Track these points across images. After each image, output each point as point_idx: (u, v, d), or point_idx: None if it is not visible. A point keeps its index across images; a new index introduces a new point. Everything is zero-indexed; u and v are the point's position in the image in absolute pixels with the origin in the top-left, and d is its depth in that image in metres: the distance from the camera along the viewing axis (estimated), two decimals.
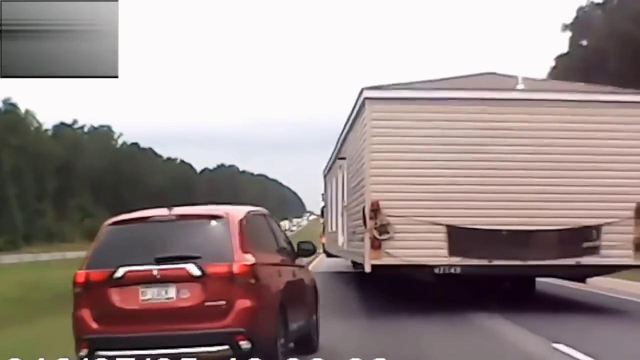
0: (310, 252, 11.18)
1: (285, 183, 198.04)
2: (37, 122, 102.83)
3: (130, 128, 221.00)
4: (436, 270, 14.84)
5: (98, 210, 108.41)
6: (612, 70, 43.62)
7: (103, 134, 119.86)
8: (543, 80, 18.15)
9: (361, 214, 15.49)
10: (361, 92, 15.51)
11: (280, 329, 9.02)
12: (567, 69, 51.35)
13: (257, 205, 10.72)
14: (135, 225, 9.10)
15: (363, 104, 15.52)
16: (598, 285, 18.76)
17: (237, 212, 9.25)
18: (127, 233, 8.98)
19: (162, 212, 9.08)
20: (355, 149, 17.57)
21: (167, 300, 8.44)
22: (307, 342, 10.62)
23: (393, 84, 15.88)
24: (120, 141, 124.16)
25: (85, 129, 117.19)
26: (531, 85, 15.68)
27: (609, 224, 14.89)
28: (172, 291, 8.43)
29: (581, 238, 14.87)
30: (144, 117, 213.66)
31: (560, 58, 57.54)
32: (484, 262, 14.72)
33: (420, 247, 14.80)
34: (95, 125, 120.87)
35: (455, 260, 14.77)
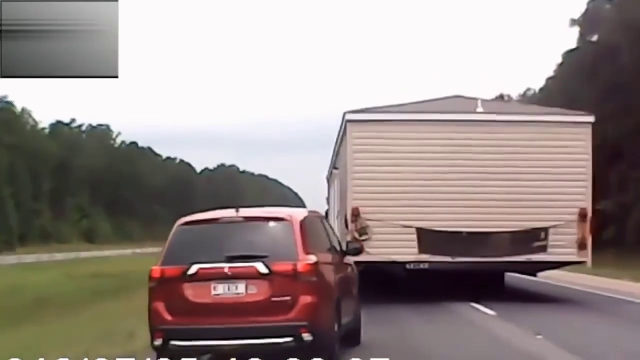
0: (358, 251, 12.83)
1: (285, 183, 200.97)
2: (34, 120, 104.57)
3: (129, 127, 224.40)
4: (407, 266, 18.85)
5: (96, 210, 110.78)
6: (623, 64, 44.13)
7: (101, 132, 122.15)
8: (500, 102, 22.30)
9: (345, 218, 19.58)
10: (344, 115, 19.57)
11: (336, 322, 10.33)
12: (575, 64, 52.45)
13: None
14: (205, 225, 10.38)
15: (346, 125, 19.54)
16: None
17: (299, 214, 10.58)
18: (198, 232, 10.24)
19: (230, 213, 10.32)
20: (343, 162, 21.59)
21: (236, 295, 9.66)
22: (352, 334, 11.88)
23: (372, 107, 19.93)
24: (118, 140, 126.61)
25: (83, 128, 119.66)
26: (489, 108, 19.62)
27: (555, 226, 18.86)
28: (241, 287, 9.67)
29: (531, 238, 18.80)
30: (143, 116, 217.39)
31: (567, 54, 59.35)
32: (448, 258, 18.69)
33: (394, 246, 18.74)
34: (94, 124, 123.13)
35: (424, 257, 18.73)
